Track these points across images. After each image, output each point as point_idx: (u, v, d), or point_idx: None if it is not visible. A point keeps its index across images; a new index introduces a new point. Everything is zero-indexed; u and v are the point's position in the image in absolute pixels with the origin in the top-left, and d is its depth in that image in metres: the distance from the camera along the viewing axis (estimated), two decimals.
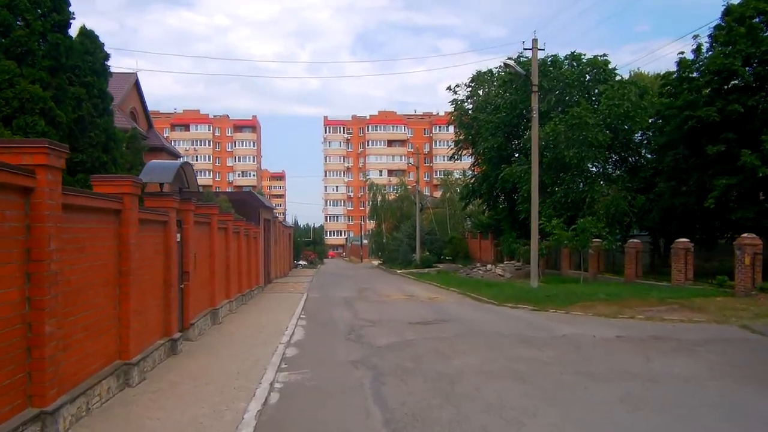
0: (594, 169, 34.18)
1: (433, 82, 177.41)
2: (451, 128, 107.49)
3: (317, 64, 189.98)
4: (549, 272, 33.37)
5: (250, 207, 26.91)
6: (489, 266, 36.76)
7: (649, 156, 35.26)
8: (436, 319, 16.46)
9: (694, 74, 25.18)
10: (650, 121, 33.10)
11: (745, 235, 19.60)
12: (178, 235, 11.32)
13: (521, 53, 35.96)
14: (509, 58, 24.41)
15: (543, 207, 33.28)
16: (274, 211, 50.97)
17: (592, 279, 28.40)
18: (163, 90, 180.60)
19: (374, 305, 21.11)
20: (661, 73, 27.46)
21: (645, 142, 35.34)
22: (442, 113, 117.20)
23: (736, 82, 24.17)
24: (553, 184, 34.57)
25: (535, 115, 24.64)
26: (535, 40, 23.90)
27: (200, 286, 13.64)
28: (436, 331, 14.31)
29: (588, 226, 27.42)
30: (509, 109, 37.43)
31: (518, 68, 23.50)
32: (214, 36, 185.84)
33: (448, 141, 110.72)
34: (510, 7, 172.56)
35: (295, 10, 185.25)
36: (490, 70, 42.79)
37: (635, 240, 27.57)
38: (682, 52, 26.28)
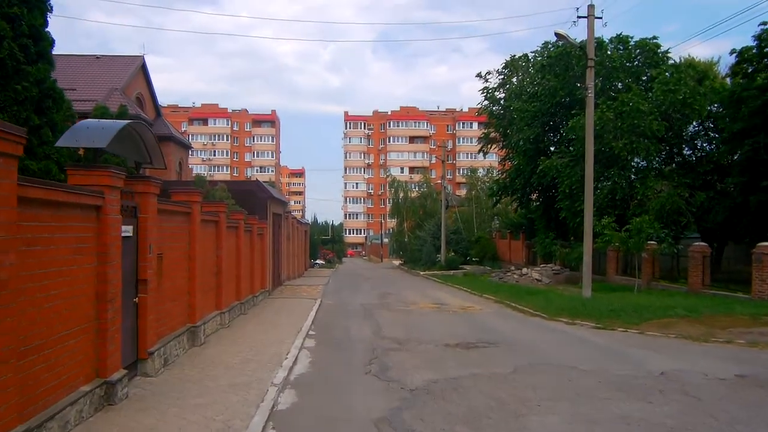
0: (643, 163, 30.28)
1: (455, 81, 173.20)
2: (475, 125, 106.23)
3: (339, 62, 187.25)
4: (593, 278, 29.57)
5: (256, 198, 23.49)
6: (524, 270, 33.05)
7: (708, 148, 31.39)
8: (480, 341, 12.91)
9: None
10: (711, 109, 29.25)
11: None
12: (128, 228, 7.93)
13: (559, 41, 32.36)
14: (558, 35, 20.72)
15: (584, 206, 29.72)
16: (290, 206, 47.83)
17: (645, 287, 24.67)
18: (186, 86, 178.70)
19: (399, 316, 17.65)
20: (735, 49, 23.40)
21: (702, 133, 31.43)
22: (466, 109, 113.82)
23: None
24: (599, 178, 30.89)
25: (591, 94, 20.96)
26: (591, 6, 20.22)
27: (170, 298, 10.22)
28: (486, 361, 10.74)
29: (644, 227, 23.73)
30: (548, 97, 33.68)
31: (571, 39, 19.86)
32: (238, 34, 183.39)
33: (472, 138, 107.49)
34: (533, 7, 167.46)
35: (318, 8, 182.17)
36: (526, 55, 39.09)
37: (701, 243, 23.73)
38: (765, 23, 22.37)
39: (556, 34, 19.81)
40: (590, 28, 20.31)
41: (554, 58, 33.49)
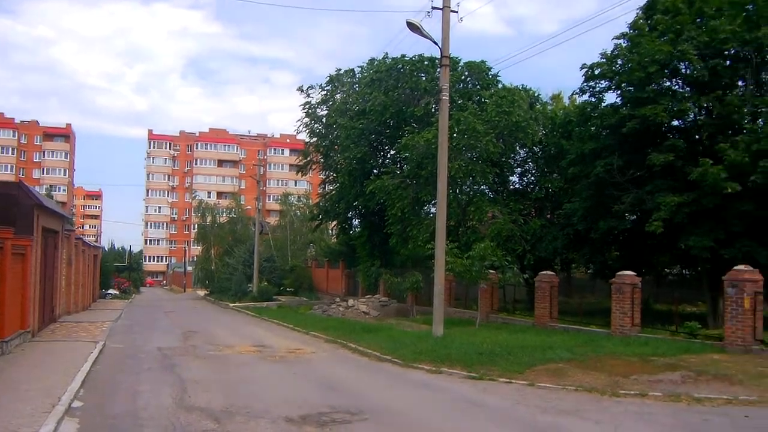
0: (481, 186, 28.61)
1: (264, 111, 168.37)
2: (287, 151, 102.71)
3: (146, 85, 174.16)
4: (422, 309, 27.05)
5: (18, 207, 17.50)
6: (350, 301, 29.67)
7: (535, 174, 30.61)
8: (334, 409, 8.93)
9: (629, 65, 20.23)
10: (543, 132, 28.43)
11: (740, 267, 14.38)
12: None
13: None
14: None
15: (419, 230, 27.26)
16: (75, 224, 40.30)
17: (484, 320, 22.40)
18: None
19: (212, 367, 13.19)
20: (585, 64, 22.23)
21: (532, 158, 30.62)
22: (278, 135, 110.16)
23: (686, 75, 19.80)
24: (431, 202, 28.70)
25: (446, 96, 18.22)
26: None
27: None
28: None
29: (488, 254, 21.55)
30: (376, 114, 30.96)
31: (424, 31, 17.04)
32: (36, 48, 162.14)
33: (283, 165, 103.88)
34: (344, 47, 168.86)
35: (125, 30, 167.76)
36: (352, 70, 36.38)
37: (548, 272, 22.00)
38: (624, 34, 21.28)
39: (409, 24, 16.81)
40: (445, 21, 17.65)
41: (384, 72, 31.08)
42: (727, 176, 17.38)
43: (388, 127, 32.13)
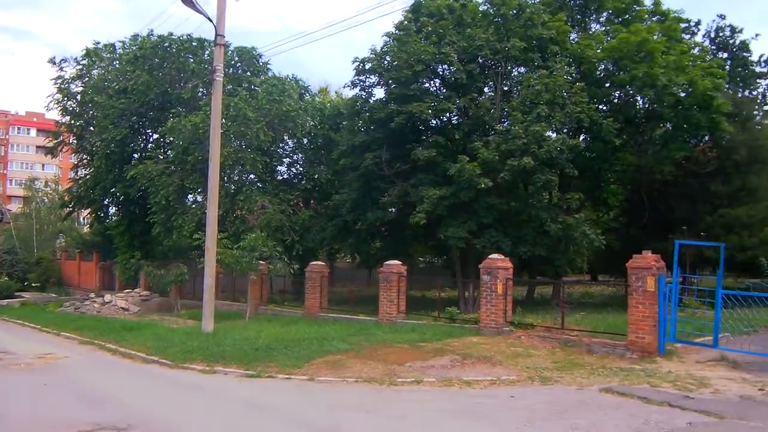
0: (249, 175, 27.89)
1: (6, 87, 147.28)
2: (34, 131, 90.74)
3: None
4: (187, 304, 25.73)
5: None
6: (107, 297, 27.03)
7: (303, 165, 30.74)
8: (98, 426, 7.70)
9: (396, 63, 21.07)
10: (312, 123, 28.59)
11: (495, 256, 15.72)
12: None
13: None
14: None
15: (185, 220, 25.77)
16: None
17: (254, 313, 21.89)
18: None
19: None
20: (357, 58, 22.67)
21: (300, 148, 30.67)
22: (23, 113, 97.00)
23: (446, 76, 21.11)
24: (197, 190, 27.34)
25: (219, 77, 17.19)
26: None
27: None
28: None
29: (258, 244, 21.10)
30: (140, 94, 28.52)
31: (198, 5, 15.86)
32: None
33: (29, 146, 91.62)
34: (102, 23, 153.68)
35: None
36: (113, 45, 33.19)
37: (318, 262, 22.13)
38: (391, 33, 21.97)
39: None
40: None
41: (149, 49, 28.76)
42: (480, 172, 18.97)
43: (151, 108, 29.81)
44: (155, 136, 31.07)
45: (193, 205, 27.10)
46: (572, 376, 10.79)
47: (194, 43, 28.95)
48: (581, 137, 23.05)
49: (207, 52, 28.84)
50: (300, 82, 30.35)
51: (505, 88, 22.44)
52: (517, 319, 15.34)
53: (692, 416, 7.99)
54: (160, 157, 27.99)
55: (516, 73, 23.24)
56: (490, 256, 15.70)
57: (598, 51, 22.99)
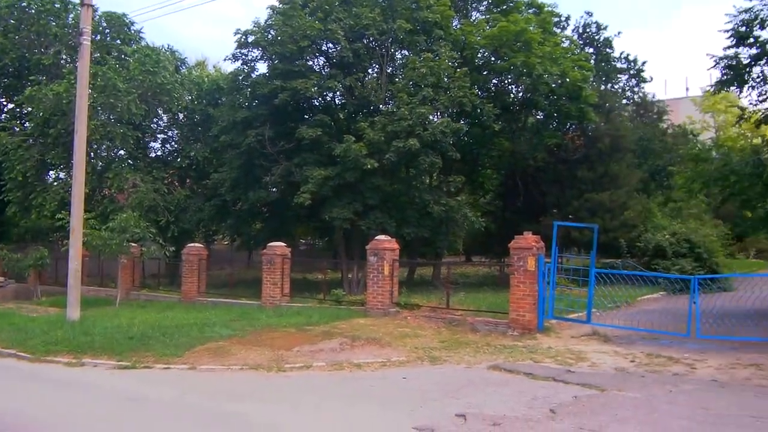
0: (114, 151, 26.03)
1: None
2: None
3: None
4: (48, 290, 23.80)
5: None
6: None
7: (176, 142, 29.19)
8: None
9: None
10: (189, 98, 27.16)
11: (381, 237, 15.66)
12: None
13: None
14: None
15: (45, 198, 23.69)
16: None
17: (125, 298, 20.58)
18: None
19: None
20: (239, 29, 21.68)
21: (173, 125, 29.10)
22: None
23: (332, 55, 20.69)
24: (60, 166, 25.28)
25: (87, 41, 15.75)
26: None
27: None
28: None
29: (129, 225, 19.82)
30: None
31: None
32: None
33: None
34: None
35: None
36: None
37: (196, 244, 21.14)
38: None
39: None
40: None
41: (4, 9, 25.95)
42: (366, 153, 18.85)
43: (6, 75, 27.12)
44: (10, 105, 28.34)
45: (56, 183, 25.02)
46: (460, 355, 10.97)
47: (57, 5, 26.52)
48: (461, 122, 23.57)
49: (71, 15, 26.56)
50: (176, 53, 28.76)
51: (389, 70, 22.43)
52: (403, 300, 15.45)
53: (576, 390, 8.32)
54: (16, 128, 25.59)
55: (400, 56, 23.30)
56: (377, 237, 15.65)
57: (479, 38, 23.51)
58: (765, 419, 6.79)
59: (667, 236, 22.67)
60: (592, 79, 27.95)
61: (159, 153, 29.43)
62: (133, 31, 28.82)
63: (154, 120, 27.85)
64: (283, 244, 17.93)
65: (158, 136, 29.01)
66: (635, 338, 12.30)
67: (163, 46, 28.49)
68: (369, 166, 18.73)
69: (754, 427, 6.56)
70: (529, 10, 27.18)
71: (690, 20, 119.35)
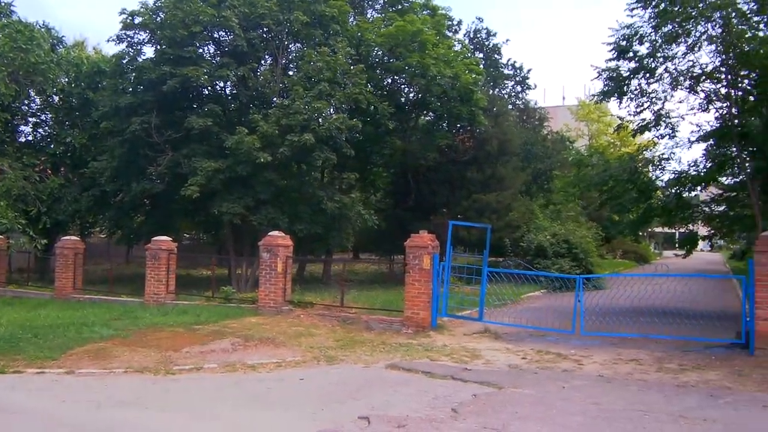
0: None
1: None
2: None
3: None
4: None
5: None
6: None
7: (48, 128, 27.13)
8: None
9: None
10: (66, 80, 25.29)
11: (275, 233, 15.19)
12: None
13: None
14: None
15: None
16: None
17: None
18: None
19: None
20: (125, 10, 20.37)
21: (47, 108, 27.02)
22: None
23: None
24: None
25: None
26: None
27: None
28: None
29: None
30: None
31: None
32: None
33: None
34: None
35: None
36: None
37: (72, 237, 19.70)
38: None
39: None
40: None
41: None
42: (260, 146, 18.33)
43: None
44: None
45: None
46: (356, 354, 10.85)
47: None
48: (355, 119, 23.53)
49: None
50: (52, 31, 26.61)
51: (284, 62, 21.98)
52: (296, 298, 15.15)
53: (474, 388, 8.43)
54: None
55: (296, 48, 22.89)
56: (270, 233, 15.21)
57: (375, 36, 23.57)
58: (652, 413, 7.16)
59: (548, 237, 23.81)
60: (482, 83, 28.87)
61: (30, 138, 27.29)
62: (3, 4, 26.45)
63: (26, 102, 25.71)
64: (169, 238, 17.06)
65: (30, 119, 26.81)
66: (524, 335, 12.72)
67: (37, 22, 26.34)
68: (262, 160, 18.22)
69: (642, 420, 6.89)
70: (424, 12, 27.63)
71: (568, 31, 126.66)
